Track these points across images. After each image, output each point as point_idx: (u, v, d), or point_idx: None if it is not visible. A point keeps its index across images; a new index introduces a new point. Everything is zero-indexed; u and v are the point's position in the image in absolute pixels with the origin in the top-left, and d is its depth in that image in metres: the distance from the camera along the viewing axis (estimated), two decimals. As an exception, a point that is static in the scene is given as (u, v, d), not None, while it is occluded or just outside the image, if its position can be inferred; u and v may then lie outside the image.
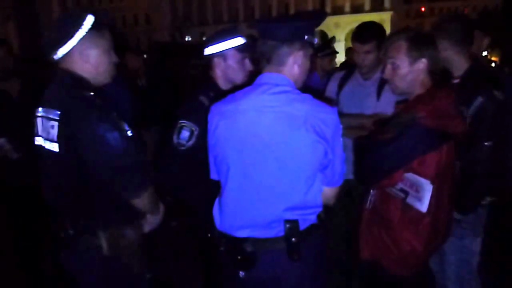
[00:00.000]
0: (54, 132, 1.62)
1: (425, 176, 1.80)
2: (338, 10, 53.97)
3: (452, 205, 2.00)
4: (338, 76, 2.92)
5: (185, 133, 2.10)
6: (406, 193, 1.85)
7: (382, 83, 2.62)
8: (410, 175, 1.84)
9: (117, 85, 3.20)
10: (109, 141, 1.58)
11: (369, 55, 2.62)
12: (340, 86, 2.84)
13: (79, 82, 1.68)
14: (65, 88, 1.67)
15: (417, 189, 1.82)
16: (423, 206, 1.82)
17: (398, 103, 2.20)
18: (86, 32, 1.65)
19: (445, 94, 1.90)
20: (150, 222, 1.90)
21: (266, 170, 1.55)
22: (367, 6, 54.52)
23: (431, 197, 1.80)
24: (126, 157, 1.64)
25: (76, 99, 1.62)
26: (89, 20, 1.66)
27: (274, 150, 1.53)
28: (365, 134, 2.19)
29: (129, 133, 1.65)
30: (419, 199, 1.82)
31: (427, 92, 1.90)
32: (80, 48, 1.67)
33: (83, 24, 1.65)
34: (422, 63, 1.88)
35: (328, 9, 52.80)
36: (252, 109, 1.56)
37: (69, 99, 1.63)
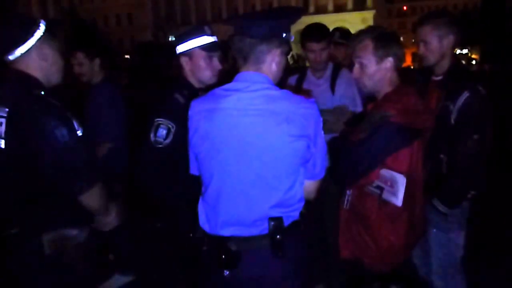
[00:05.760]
0: (1, 129, 1.65)
1: (399, 171, 1.83)
2: (321, 9, 54.21)
3: (425, 199, 2.03)
4: (292, 79, 3.09)
5: (162, 131, 2.07)
6: (381, 189, 1.87)
7: (334, 79, 2.92)
8: (384, 171, 1.86)
9: (112, 87, 3.24)
10: (57, 137, 1.63)
11: (324, 51, 2.84)
12: (296, 87, 2.99)
13: (30, 81, 1.73)
14: (16, 86, 1.71)
15: (391, 183, 1.84)
16: (398, 200, 1.84)
17: (367, 101, 2.23)
18: (43, 33, 1.73)
19: (412, 91, 1.93)
20: (103, 223, 1.92)
21: (250, 169, 1.54)
22: (349, 5, 54.88)
23: (405, 192, 1.83)
24: (73, 154, 1.68)
25: (26, 97, 1.66)
26: (42, 23, 1.75)
27: (256, 149, 1.52)
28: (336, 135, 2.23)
29: (79, 133, 1.72)
30: (394, 194, 1.85)
31: (395, 90, 1.93)
32: (38, 48, 1.73)
33: (39, 25, 1.73)
34: (389, 62, 1.90)
35: (311, 8, 53.11)
36: (232, 108, 1.55)
37: (19, 96, 1.67)
